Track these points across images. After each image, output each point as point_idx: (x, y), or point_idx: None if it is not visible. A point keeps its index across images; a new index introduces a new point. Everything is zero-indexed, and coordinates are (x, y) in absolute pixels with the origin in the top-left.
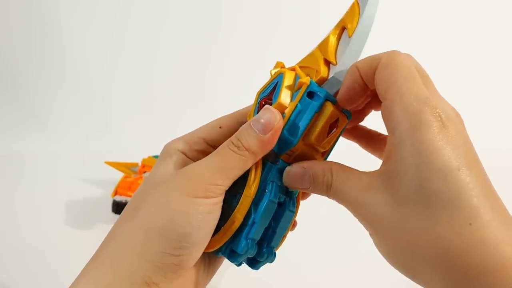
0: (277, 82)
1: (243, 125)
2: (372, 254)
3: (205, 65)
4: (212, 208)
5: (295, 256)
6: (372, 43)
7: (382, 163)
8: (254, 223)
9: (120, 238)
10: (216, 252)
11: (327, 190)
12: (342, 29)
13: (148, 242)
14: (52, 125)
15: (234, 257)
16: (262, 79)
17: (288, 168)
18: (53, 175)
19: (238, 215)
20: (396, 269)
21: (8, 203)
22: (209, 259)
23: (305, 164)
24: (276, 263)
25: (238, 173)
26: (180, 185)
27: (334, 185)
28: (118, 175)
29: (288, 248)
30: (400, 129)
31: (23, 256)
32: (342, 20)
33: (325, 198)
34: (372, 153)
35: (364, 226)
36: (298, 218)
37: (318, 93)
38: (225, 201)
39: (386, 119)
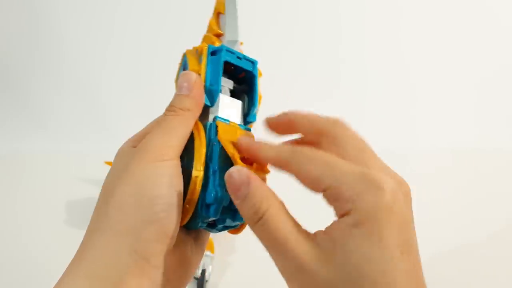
0: (184, 61)
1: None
2: None
3: None
4: (175, 170)
5: None
6: (378, 43)
7: (326, 231)
8: (215, 171)
9: (99, 228)
10: (195, 222)
11: (254, 220)
12: (217, 14)
13: (126, 218)
14: (52, 125)
15: (210, 210)
16: (262, 82)
17: (235, 168)
18: (53, 175)
19: (198, 169)
20: None
21: (8, 203)
22: (195, 233)
23: (252, 176)
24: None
25: (183, 131)
26: (137, 158)
27: (265, 222)
28: None
29: None
30: (345, 218)
31: (23, 256)
32: (214, 9)
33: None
34: None
35: (285, 278)
36: (298, 218)
37: (218, 49)
38: (184, 170)
39: (331, 204)
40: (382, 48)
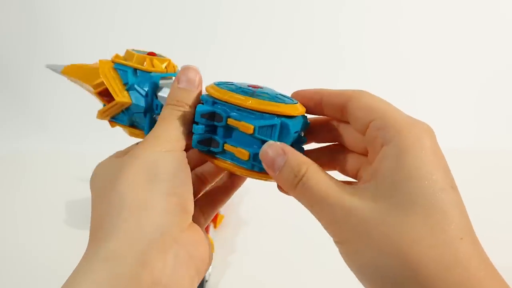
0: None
1: (171, 87)
2: None
3: (204, 65)
4: (183, 159)
5: (293, 255)
6: (378, 42)
7: (367, 178)
8: None
9: (112, 211)
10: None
11: (294, 183)
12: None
13: (142, 194)
14: (52, 124)
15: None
16: (262, 80)
17: (267, 144)
18: (54, 175)
19: None
20: (365, 285)
21: (8, 203)
22: (204, 214)
23: (286, 148)
24: (275, 262)
25: (186, 127)
26: (145, 145)
27: (306, 181)
28: None
29: (288, 247)
30: (399, 139)
31: (23, 256)
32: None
33: None
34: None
35: (333, 231)
36: (298, 218)
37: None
38: None
39: (376, 135)
40: (381, 47)
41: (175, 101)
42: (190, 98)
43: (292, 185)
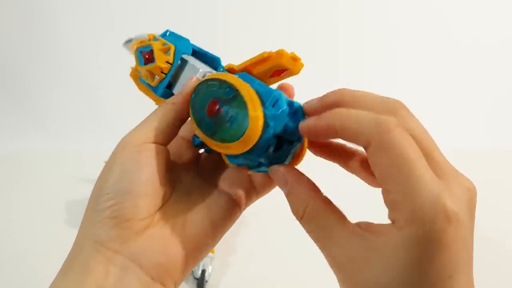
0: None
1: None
2: None
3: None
4: (135, 155)
5: (294, 255)
6: (372, 41)
7: (372, 233)
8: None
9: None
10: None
11: (298, 217)
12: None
13: (87, 210)
14: (51, 124)
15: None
16: None
17: (273, 168)
18: (53, 175)
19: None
20: None
21: (7, 203)
22: (181, 217)
23: (291, 178)
24: (275, 262)
25: (160, 120)
26: (114, 150)
27: (306, 219)
28: None
29: (288, 247)
30: (406, 232)
31: (23, 256)
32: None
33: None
34: (349, 171)
35: (329, 260)
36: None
37: (184, 49)
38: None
39: (391, 208)
40: (382, 47)
41: (169, 100)
42: (173, 98)
43: (297, 218)
